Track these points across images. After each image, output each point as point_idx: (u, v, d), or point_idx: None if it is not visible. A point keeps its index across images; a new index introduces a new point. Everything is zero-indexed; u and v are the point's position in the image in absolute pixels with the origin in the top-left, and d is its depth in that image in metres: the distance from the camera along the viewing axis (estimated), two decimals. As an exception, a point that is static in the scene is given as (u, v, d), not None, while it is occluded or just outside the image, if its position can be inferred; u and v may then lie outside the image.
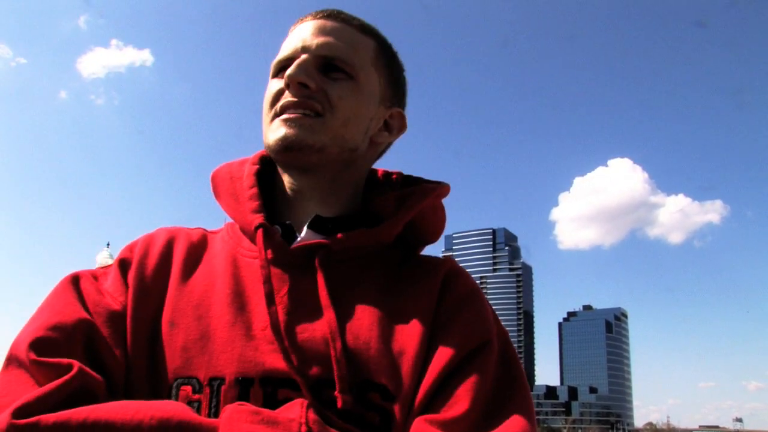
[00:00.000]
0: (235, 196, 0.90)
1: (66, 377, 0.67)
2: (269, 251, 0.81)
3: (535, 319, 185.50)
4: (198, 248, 0.89)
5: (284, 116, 0.83)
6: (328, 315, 0.76)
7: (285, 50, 0.88)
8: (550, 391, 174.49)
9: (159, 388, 0.76)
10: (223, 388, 0.74)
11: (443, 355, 0.76)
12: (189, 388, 0.75)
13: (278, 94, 0.86)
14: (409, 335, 0.78)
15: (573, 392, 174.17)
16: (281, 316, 0.77)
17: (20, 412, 0.63)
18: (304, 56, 0.85)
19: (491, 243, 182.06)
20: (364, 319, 0.79)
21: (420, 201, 0.89)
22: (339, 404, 0.71)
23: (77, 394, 0.67)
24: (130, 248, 0.88)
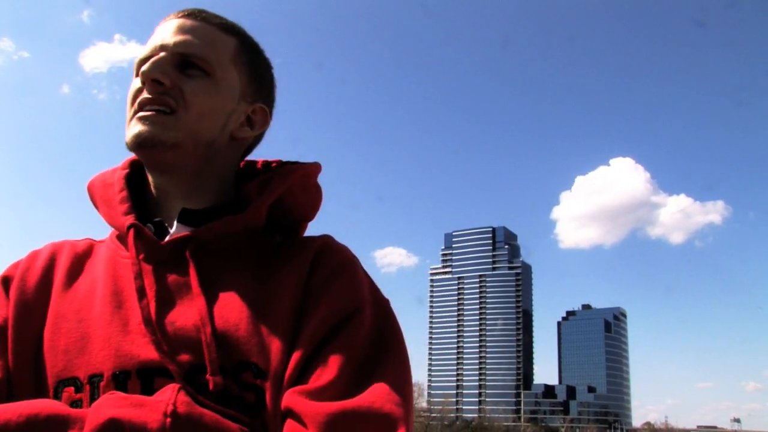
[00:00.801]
0: (108, 202, 0.92)
1: None
2: (141, 249, 0.83)
3: (534, 318, 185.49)
4: (82, 257, 0.91)
5: (140, 114, 0.85)
6: (199, 302, 0.78)
7: (145, 49, 0.89)
8: (549, 390, 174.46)
9: (43, 393, 0.77)
10: (101, 384, 0.75)
11: (311, 327, 0.78)
12: (71, 388, 0.76)
13: (137, 93, 0.87)
14: (278, 313, 0.80)
15: (571, 391, 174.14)
16: (153, 309, 0.79)
17: None
18: (161, 54, 0.86)
19: (491, 242, 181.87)
20: (235, 303, 0.81)
21: (282, 182, 0.91)
22: (210, 386, 0.73)
23: None
24: (15, 266, 0.90)
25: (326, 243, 0.89)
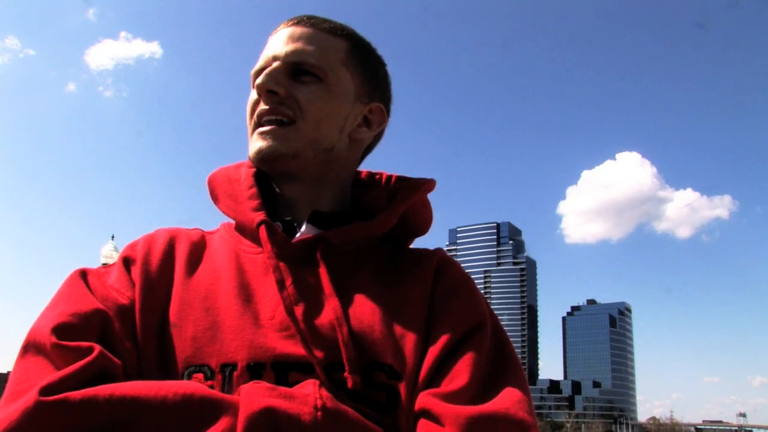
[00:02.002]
0: (234, 197, 0.94)
1: (89, 358, 0.70)
2: (273, 245, 0.85)
3: (538, 314, 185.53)
4: (199, 246, 0.93)
5: (260, 129, 0.89)
6: (333, 302, 0.81)
7: (260, 61, 0.93)
8: (554, 386, 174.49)
9: (170, 377, 0.78)
10: (235, 374, 0.77)
11: (442, 335, 0.81)
12: (201, 375, 0.78)
13: (254, 105, 0.91)
14: (408, 318, 0.83)
15: (576, 386, 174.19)
16: (293, 302, 0.81)
17: (47, 390, 0.65)
18: (274, 65, 0.90)
19: (495, 237, 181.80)
20: (366, 306, 0.83)
21: (412, 194, 0.94)
22: (349, 384, 0.75)
23: (98, 375, 0.70)
24: (132, 246, 0.91)
25: (444, 257, 0.94)
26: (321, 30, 0.93)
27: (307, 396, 0.68)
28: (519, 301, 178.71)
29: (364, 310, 0.83)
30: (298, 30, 0.92)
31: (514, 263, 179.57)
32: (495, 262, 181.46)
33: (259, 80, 0.88)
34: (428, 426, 0.74)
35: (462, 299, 0.87)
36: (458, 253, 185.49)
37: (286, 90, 0.88)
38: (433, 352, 0.80)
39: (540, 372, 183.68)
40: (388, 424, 0.75)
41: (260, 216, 0.87)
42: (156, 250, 0.90)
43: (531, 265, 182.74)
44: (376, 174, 1.02)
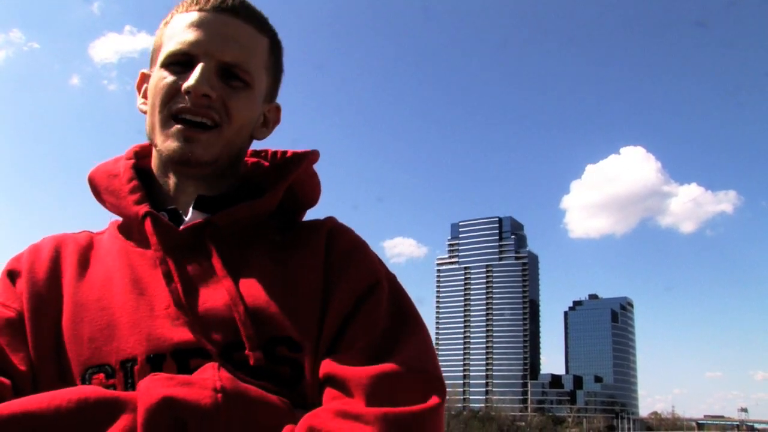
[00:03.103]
0: (115, 192, 0.92)
1: None
2: (160, 236, 0.85)
3: (540, 308, 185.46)
4: (87, 249, 0.92)
5: (181, 127, 0.86)
6: (226, 283, 0.81)
7: (180, 42, 0.88)
8: (555, 380, 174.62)
9: (70, 383, 0.77)
10: (135, 368, 0.76)
11: (338, 301, 0.83)
12: (102, 375, 0.77)
13: (173, 92, 0.87)
14: (304, 290, 0.85)
15: (578, 381, 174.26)
16: (182, 292, 0.81)
17: None
18: (204, 63, 0.86)
19: (497, 232, 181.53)
20: (261, 282, 0.84)
21: (296, 168, 0.94)
22: (251, 362, 0.76)
23: None
24: (17, 259, 0.90)
25: (335, 224, 0.95)
26: (252, 26, 0.91)
27: (206, 380, 0.68)
28: (521, 295, 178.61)
29: (260, 287, 0.83)
30: (230, 22, 0.89)
31: (516, 258, 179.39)
32: (497, 256, 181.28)
33: (194, 82, 0.84)
34: (333, 392, 0.75)
35: (355, 262, 0.88)
36: (460, 248, 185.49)
37: (218, 95, 0.86)
38: (331, 318, 0.82)
39: (542, 367, 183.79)
40: (295, 397, 0.76)
41: (144, 208, 0.87)
42: (42, 259, 0.89)
43: (533, 259, 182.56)
44: (261, 151, 1.02)
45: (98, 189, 0.95)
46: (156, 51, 0.92)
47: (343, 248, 0.90)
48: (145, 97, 0.95)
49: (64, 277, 0.87)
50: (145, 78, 0.97)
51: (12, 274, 0.88)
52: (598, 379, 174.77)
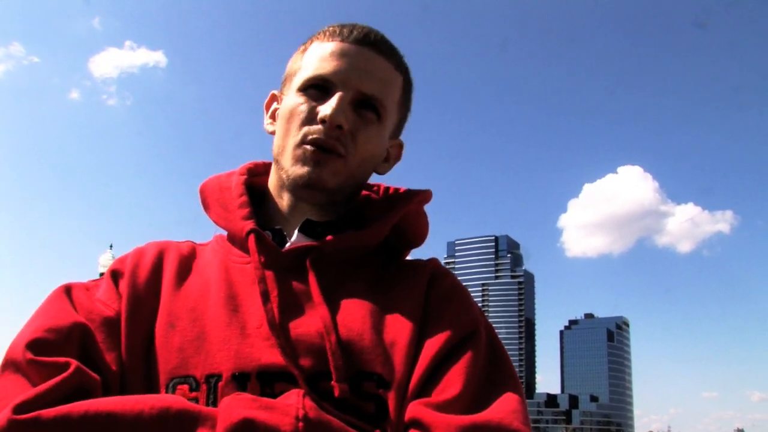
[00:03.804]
0: (225, 205, 0.93)
1: (64, 375, 0.69)
2: (262, 254, 0.85)
3: (536, 327, 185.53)
4: (188, 259, 0.92)
5: (312, 148, 0.86)
6: (321, 311, 0.80)
7: (320, 69, 0.88)
8: (551, 399, 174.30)
9: (155, 389, 0.78)
10: (220, 384, 0.76)
11: (434, 343, 0.79)
12: (186, 386, 0.77)
13: (308, 120, 0.87)
14: (400, 327, 0.82)
15: (574, 400, 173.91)
16: (277, 313, 0.80)
17: (20, 408, 0.64)
18: (342, 92, 0.86)
19: (493, 250, 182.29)
20: (356, 313, 0.82)
21: (406, 204, 0.93)
22: (336, 393, 0.74)
23: (75, 391, 0.69)
24: (122, 260, 0.91)
25: (438, 266, 0.93)
26: (389, 61, 0.91)
27: (289, 406, 0.67)
28: (517, 314, 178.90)
29: (354, 319, 0.81)
30: (370, 56, 0.89)
31: (512, 276, 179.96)
32: (493, 275, 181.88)
33: (331, 111, 0.84)
34: None
35: (455, 307, 0.86)
36: (456, 266, 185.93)
37: (350, 125, 0.87)
38: (425, 360, 0.78)
39: (537, 386, 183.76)
40: None
41: (249, 225, 0.87)
42: (144, 263, 0.89)
43: (529, 278, 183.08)
44: (374, 186, 1.01)
45: (208, 200, 0.96)
46: (291, 75, 0.93)
47: (445, 291, 0.88)
48: (272, 117, 0.96)
49: (163, 284, 0.88)
50: (274, 98, 0.98)
51: (115, 275, 0.88)
52: (593, 399, 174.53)
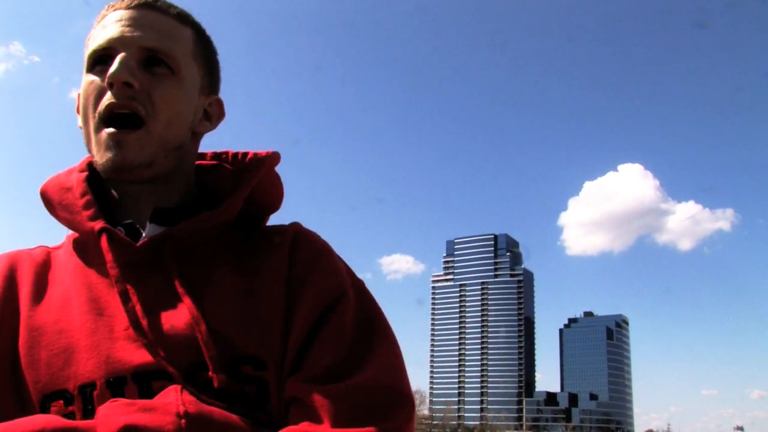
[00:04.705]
0: (69, 207, 0.87)
1: None
2: (116, 252, 0.80)
3: (536, 325, 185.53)
4: (44, 267, 0.87)
5: (109, 130, 0.81)
6: (187, 301, 0.77)
7: (99, 41, 0.84)
8: (551, 398, 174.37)
9: (28, 411, 0.73)
10: (95, 393, 0.72)
11: (302, 315, 0.79)
12: (60, 402, 0.73)
13: (99, 94, 0.83)
14: (268, 302, 0.81)
15: (573, 399, 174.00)
16: (140, 312, 0.77)
17: None
18: (124, 52, 0.82)
19: (492, 249, 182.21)
20: (224, 298, 0.80)
21: (255, 174, 0.90)
22: (215, 384, 0.72)
23: None
24: None
25: (299, 232, 0.90)
26: (170, 16, 0.87)
27: (168, 404, 0.65)
28: (516, 313, 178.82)
29: (222, 304, 0.80)
30: (146, 14, 0.85)
31: (512, 275, 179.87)
32: (492, 274, 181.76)
33: (113, 69, 0.79)
34: (299, 413, 0.72)
35: (319, 273, 0.84)
36: (455, 265, 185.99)
37: (141, 83, 0.81)
38: (295, 334, 0.78)
39: (537, 384, 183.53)
40: (261, 417, 0.73)
41: (99, 224, 0.82)
42: None
43: (528, 277, 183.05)
44: (222, 153, 0.96)
45: (52, 203, 0.90)
46: (83, 67, 0.87)
47: (307, 257, 0.86)
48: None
49: (20, 299, 0.82)
50: (79, 97, 0.90)
51: None
52: (593, 397, 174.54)
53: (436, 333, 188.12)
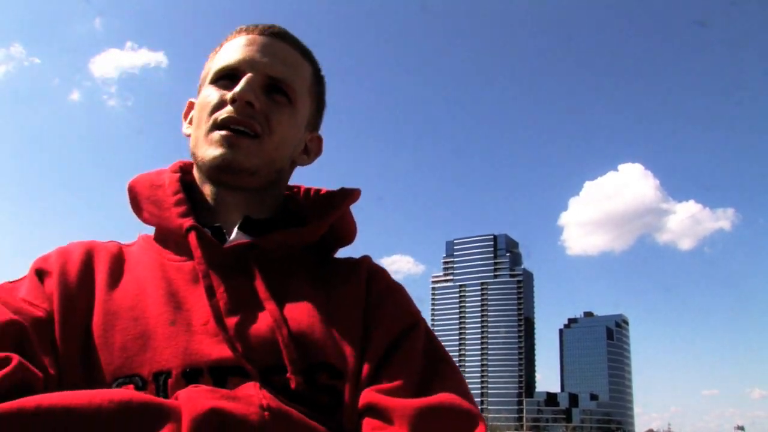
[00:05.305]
0: (158, 203, 0.91)
1: (6, 369, 0.65)
2: (204, 250, 0.84)
3: (536, 326, 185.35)
4: (118, 258, 0.90)
5: (223, 132, 0.87)
6: (269, 306, 0.80)
7: (229, 59, 0.91)
8: (551, 398, 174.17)
9: None
10: (170, 381, 0.74)
11: (378, 337, 0.83)
12: (131, 386, 0.74)
13: (219, 105, 0.89)
14: (346, 320, 0.85)
15: (574, 399, 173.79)
16: (224, 309, 0.79)
17: None
18: (251, 74, 0.88)
19: (492, 249, 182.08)
20: (303, 308, 0.83)
21: (343, 203, 0.96)
22: (292, 385, 0.74)
23: (18, 388, 0.64)
24: (45, 259, 0.87)
25: (372, 264, 0.97)
26: (296, 49, 0.95)
27: (251, 396, 0.67)
28: (516, 313, 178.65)
29: (302, 312, 0.83)
30: (276, 43, 0.93)
31: (511, 275, 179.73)
32: (492, 274, 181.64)
33: (239, 88, 0.87)
34: (374, 422, 0.74)
35: (396, 301, 0.90)
36: (455, 265, 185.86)
37: (261, 105, 0.88)
38: (373, 351, 0.81)
39: (537, 384, 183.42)
40: (331, 424, 0.74)
41: (188, 222, 0.86)
42: (73, 262, 0.86)
43: (528, 277, 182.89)
44: (293, 187, 1.03)
45: (138, 198, 0.93)
46: (204, 77, 0.95)
47: (384, 287, 0.92)
48: (191, 123, 0.96)
49: (96, 283, 0.85)
50: (192, 106, 0.98)
51: (41, 273, 0.84)
52: (593, 397, 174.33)
53: (436, 333, 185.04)
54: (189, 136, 0.95)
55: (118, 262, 0.89)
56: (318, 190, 1.02)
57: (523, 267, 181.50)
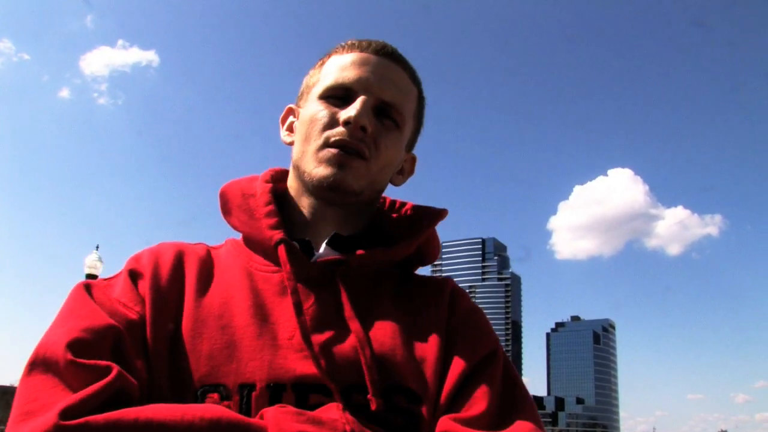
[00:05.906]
0: (250, 212, 0.92)
1: (108, 379, 0.67)
2: (294, 265, 0.85)
3: (523, 329, 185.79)
4: (207, 263, 0.91)
5: (335, 150, 0.87)
6: (354, 325, 0.81)
7: (342, 78, 0.91)
8: (537, 402, 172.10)
9: (183, 397, 0.76)
10: (254, 394, 0.75)
11: (460, 360, 0.82)
12: (216, 395, 0.76)
13: (331, 124, 0.89)
14: (428, 343, 0.84)
15: (560, 403, 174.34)
16: (310, 326, 0.80)
17: (67, 413, 0.62)
18: (365, 97, 0.89)
19: (480, 253, 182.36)
20: (386, 329, 0.84)
21: (430, 224, 0.96)
22: (373, 407, 0.75)
23: (117, 397, 0.67)
24: (138, 259, 0.88)
25: (456, 287, 0.96)
26: (407, 73, 0.96)
27: (335, 421, 0.67)
28: (503, 316, 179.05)
29: (385, 334, 0.83)
30: (390, 66, 0.93)
31: (499, 279, 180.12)
32: (480, 277, 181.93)
33: (356, 112, 0.87)
34: None
35: (477, 327, 0.89)
36: (443, 268, 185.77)
37: (373, 130, 0.89)
38: (453, 377, 0.81)
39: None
40: None
41: (279, 234, 0.87)
42: (164, 264, 0.87)
43: (516, 280, 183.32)
44: (396, 201, 1.04)
45: (230, 205, 0.95)
46: (309, 88, 0.96)
47: (465, 311, 0.91)
48: (289, 129, 0.98)
49: (186, 287, 0.86)
50: (291, 112, 1.00)
51: (134, 275, 0.85)
52: (579, 401, 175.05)
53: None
54: (290, 144, 0.96)
55: (207, 266, 0.90)
56: (403, 204, 1.02)
57: (511, 270, 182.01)
